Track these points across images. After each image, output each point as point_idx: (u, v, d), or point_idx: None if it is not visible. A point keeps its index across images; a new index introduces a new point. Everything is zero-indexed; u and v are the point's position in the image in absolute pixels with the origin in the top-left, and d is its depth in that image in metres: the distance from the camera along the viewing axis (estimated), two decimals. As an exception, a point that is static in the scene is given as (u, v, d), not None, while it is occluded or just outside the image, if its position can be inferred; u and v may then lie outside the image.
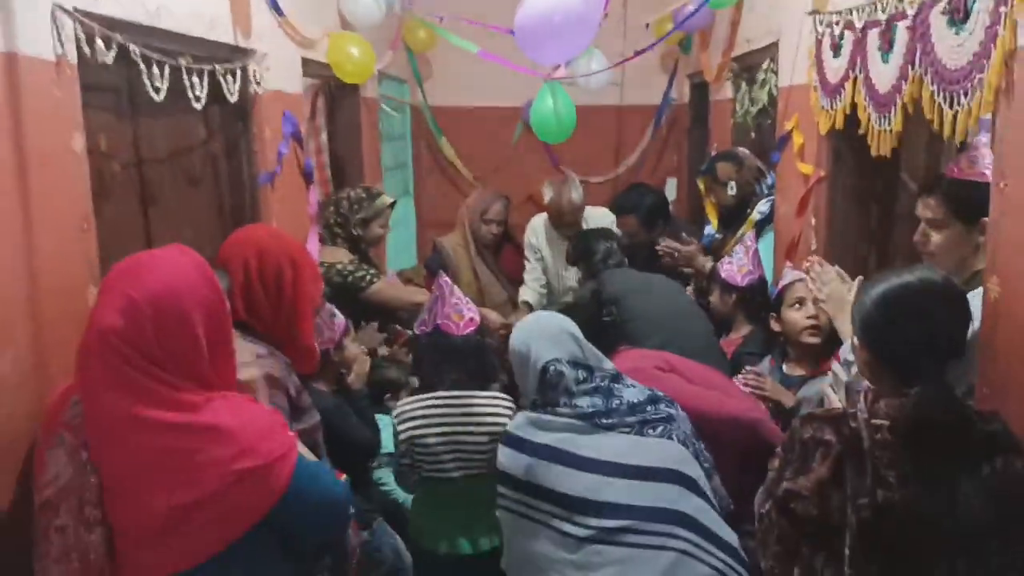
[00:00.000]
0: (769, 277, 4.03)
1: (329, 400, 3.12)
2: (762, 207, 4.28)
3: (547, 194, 4.93)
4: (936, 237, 2.58)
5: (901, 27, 2.65)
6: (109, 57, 2.32)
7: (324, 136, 5.14)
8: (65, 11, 2.15)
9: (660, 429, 2.49)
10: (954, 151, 3.04)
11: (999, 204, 2.16)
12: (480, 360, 3.21)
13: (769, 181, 4.32)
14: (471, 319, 3.19)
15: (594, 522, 2.37)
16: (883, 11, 2.77)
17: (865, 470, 1.95)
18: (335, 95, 5.11)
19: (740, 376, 3.26)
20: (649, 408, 2.52)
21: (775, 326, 3.46)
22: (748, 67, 4.72)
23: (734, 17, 4.78)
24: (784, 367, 3.41)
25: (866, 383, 2.15)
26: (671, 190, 6.95)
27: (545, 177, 6.77)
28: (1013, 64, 2.06)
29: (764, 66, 4.40)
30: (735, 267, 3.85)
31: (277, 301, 2.51)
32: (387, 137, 6.23)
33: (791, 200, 3.84)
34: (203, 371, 1.92)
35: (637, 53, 4.46)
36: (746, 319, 3.86)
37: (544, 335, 2.62)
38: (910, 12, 2.56)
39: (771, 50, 4.19)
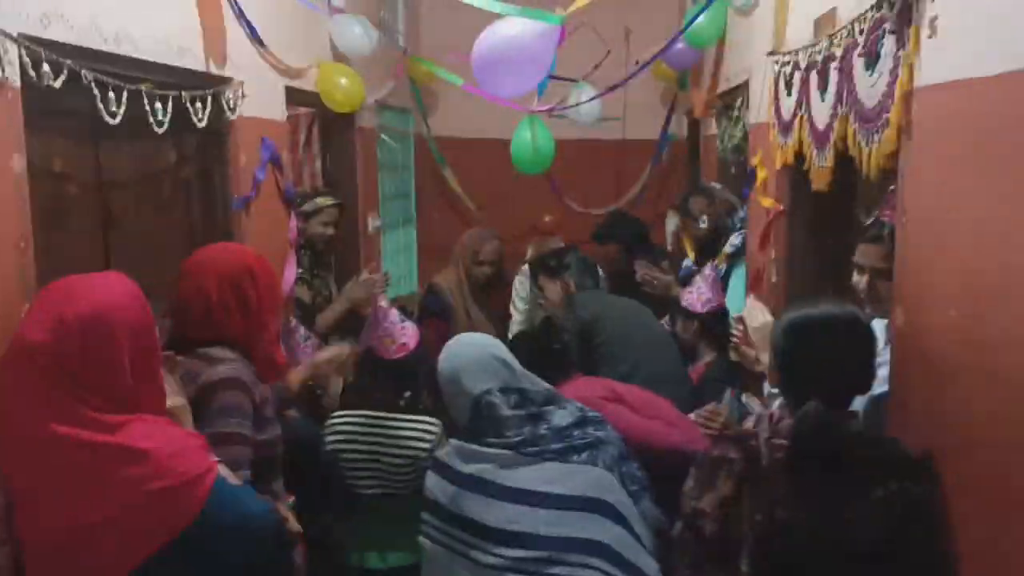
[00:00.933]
0: (740, 308, 4.07)
1: (304, 427, 3.21)
2: (734, 240, 4.36)
3: (529, 251, 5.03)
4: (884, 284, 2.54)
5: (833, 68, 2.71)
6: (58, 82, 2.42)
7: (318, 164, 5.27)
8: (8, 36, 2.26)
9: (585, 455, 2.50)
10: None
11: (901, 238, 2.22)
12: (408, 384, 3.29)
13: (741, 215, 4.38)
14: (404, 344, 3.26)
15: (510, 552, 2.38)
16: (820, 53, 2.83)
17: (763, 488, 2.02)
18: (330, 124, 5.23)
19: (694, 415, 3.29)
20: (576, 433, 2.53)
21: (733, 356, 3.52)
22: (727, 104, 4.80)
23: (717, 56, 4.86)
24: (743, 397, 3.47)
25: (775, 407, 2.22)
26: (671, 224, 7.01)
27: (548, 208, 6.94)
28: (912, 104, 2.12)
29: (738, 104, 4.48)
30: (695, 296, 3.92)
31: (242, 314, 2.56)
32: (389, 166, 6.34)
33: (757, 233, 3.91)
34: (126, 394, 1.96)
35: (610, 88, 4.55)
36: (708, 347, 3.91)
37: (472, 363, 2.63)
38: (839, 54, 2.63)
39: (744, 89, 4.26)
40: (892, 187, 2.57)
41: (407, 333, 3.30)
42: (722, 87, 4.83)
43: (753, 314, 3.08)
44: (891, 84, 2.21)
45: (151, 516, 1.90)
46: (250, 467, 2.44)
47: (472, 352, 2.70)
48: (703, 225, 4.54)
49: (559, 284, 4.33)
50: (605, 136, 6.76)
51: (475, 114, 6.57)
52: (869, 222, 2.74)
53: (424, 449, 3.09)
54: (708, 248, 4.60)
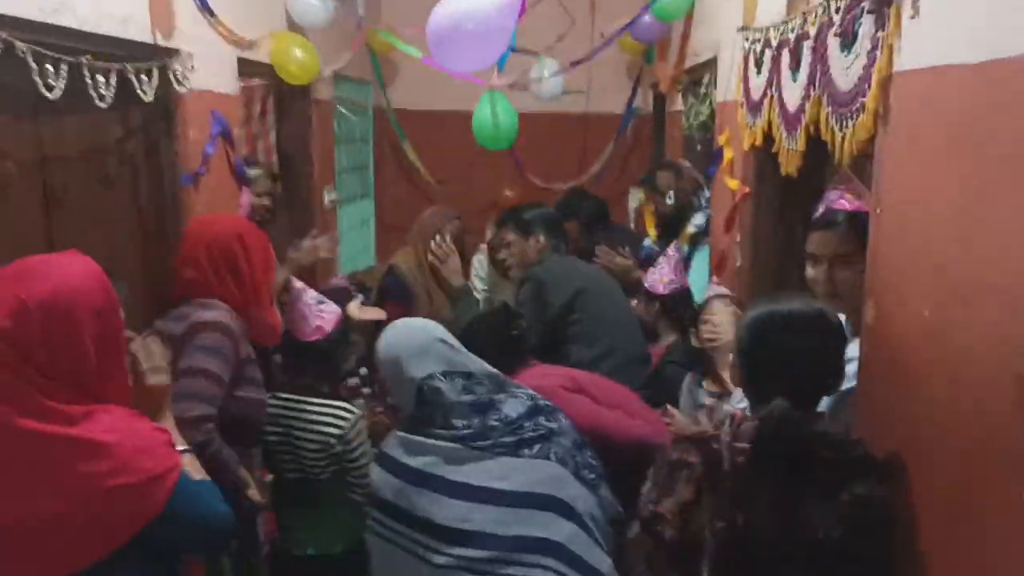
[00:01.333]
0: (703, 290, 4.00)
1: None
2: (698, 220, 4.28)
3: (488, 231, 4.92)
4: (843, 274, 2.45)
5: (806, 47, 2.62)
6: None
7: (273, 137, 5.12)
8: (-63, 7, 2.12)
9: (538, 448, 2.38)
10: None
11: (875, 230, 2.14)
12: (321, 368, 3.23)
13: (707, 194, 4.30)
14: (318, 327, 3.20)
15: (459, 551, 2.28)
16: (792, 31, 2.73)
17: (725, 492, 1.96)
18: (285, 96, 5.07)
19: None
20: (527, 424, 2.41)
21: (694, 341, 3.45)
22: (695, 80, 4.70)
23: (685, 29, 4.75)
24: (704, 383, 3.40)
25: (736, 407, 2.15)
26: (634, 199, 6.94)
27: (510, 182, 6.83)
28: (890, 89, 2.03)
29: (705, 80, 4.39)
30: (658, 276, 3.86)
31: (235, 282, 2.82)
32: (346, 139, 6.20)
33: (722, 215, 3.83)
34: (90, 382, 1.87)
35: (574, 63, 4.43)
36: (669, 328, 3.85)
37: (413, 348, 2.51)
38: (812, 32, 2.53)
39: (712, 65, 4.17)
40: (836, 176, 2.51)
41: (323, 316, 3.22)
42: (689, 62, 4.73)
43: (718, 319, 3.02)
44: (868, 67, 2.11)
45: (112, 513, 1.83)
46: (217, 409, 2.61)
47: (412, 336, 2.58)
48: (669, 201, 4.46)
49: (533, 241, 4.11)
50: (568, 109, 6.66)
51: (436, 86, 6.41)
52: (820, 211, 2.64)
53: (335, 435, 3.07)
54: (671, 227, 4.53)
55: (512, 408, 2.43)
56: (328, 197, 5.59)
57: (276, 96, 5.06)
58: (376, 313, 3.90)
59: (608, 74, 6.67)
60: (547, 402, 2.51)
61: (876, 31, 2.07)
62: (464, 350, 2.57)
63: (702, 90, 4.47)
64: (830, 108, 2.38)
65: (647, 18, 4.91)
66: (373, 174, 6.99)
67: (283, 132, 5.18)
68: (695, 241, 4.28)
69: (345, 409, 3.13)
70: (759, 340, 2.06)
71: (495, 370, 2.57)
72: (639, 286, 4.14)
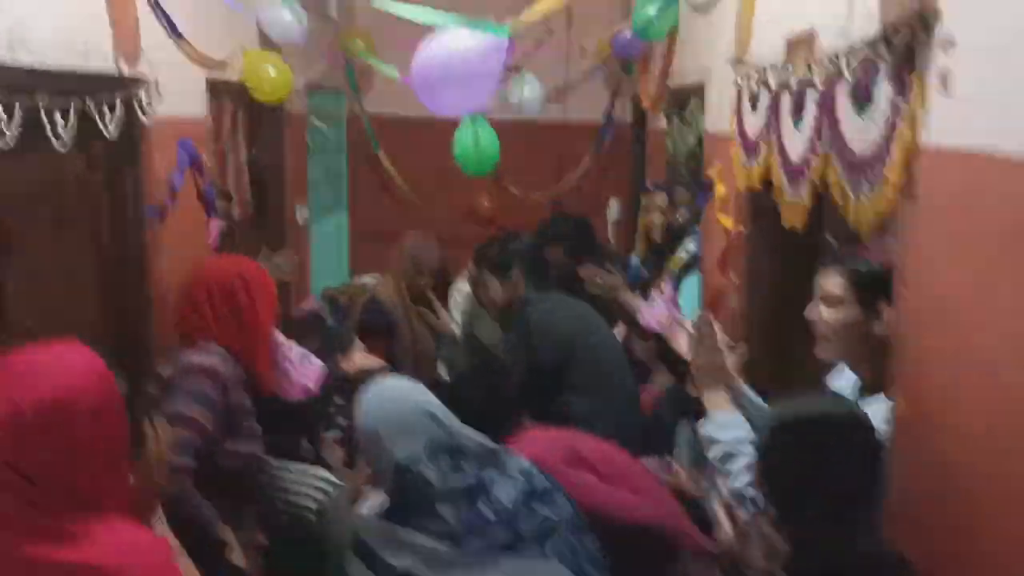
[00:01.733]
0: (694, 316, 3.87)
1: None
2: (689, 246, 4.14)
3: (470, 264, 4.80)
4: (829, 314, 2.31)
5: (811, 97, 2.47)
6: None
7: (243, 154, 4.92)
8: None
9: (534, 546, 2.16)
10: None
11: (903, 314, 1.99)
12: (300, 429, 3.10)
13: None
14: (303, 387, 3.04)
15: None
16: (795, 76, 2.58)
17: None
18: (256, 112, 4.87)
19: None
20: (523, 513, 2.18)
21: (692, 391, 3.29)
22: (680, 103, 4.53)
23: (669, 47, 4.57)
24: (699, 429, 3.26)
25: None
26: (613, 211, 6.82)
27: (486, 191, 6.67)
28: (917, 164, 1.88)
29: (691, 105, 4.23)
30: (652, 313, 3.72)
31: (238, 321, 2.76)
32: (319, 150, 6.02)
33: (713, 251, 3.68)
34: (86, 488, 1.70)
35: (555, 94, 4.30)
36: (663, 370, 3.73)
37: (395, 424, 2.27)
38: (819, 83, 2.38)
39: (698, 90, 4.01)
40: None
41: (307, 374, 3.04)
42: (674, 83, 4.55)
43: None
44: (888, 135, 1.96)
45: None
46: (195, 459, 2.53)
47: (395, 409, 2.32)
48: (681, 218, 4.34)
49: (508, 285, 3.91)
50: (546, 118, 6.49)
51: (412, 91, 6.20)
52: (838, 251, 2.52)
53: (312, 510, 2.96)
54: (661, 247, 4.42)
55: (505, 492, 2.20)
56: (300, 215, 5.41)
57: (247, 111, 4.86)
58: (377, 362, 3.68)
59: (587, 83, 6.52)
60: (544, 480, 2.30)
61: (895, 95, 1.92)
62: (451, 420, 2.36)
63: (688, 115, 4.32)
64: (842, 170, 2.22)
65: (626, 34, 4.77)
66: (347, 183, 6.80)
67: (254, 148, 4.98)
68: (686, 267, 4.14)
69: (318, 480, 2.96)
70: (784, 454, 1.90)
71: (485, 440, 2.37)
72: (632, 319, 4.00)
